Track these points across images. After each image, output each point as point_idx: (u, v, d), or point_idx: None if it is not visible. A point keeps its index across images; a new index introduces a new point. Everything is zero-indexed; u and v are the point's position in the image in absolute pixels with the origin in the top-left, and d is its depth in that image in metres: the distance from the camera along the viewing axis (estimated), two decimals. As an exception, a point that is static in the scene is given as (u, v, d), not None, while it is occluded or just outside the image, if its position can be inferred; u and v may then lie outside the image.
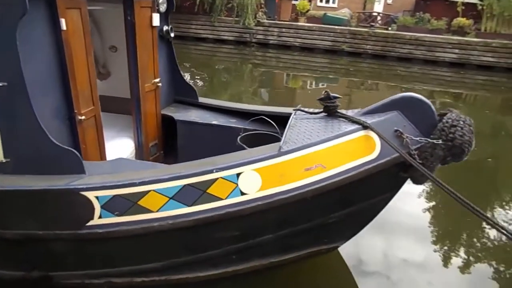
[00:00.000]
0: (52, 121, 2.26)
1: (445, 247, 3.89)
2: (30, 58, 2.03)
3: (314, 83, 13.55)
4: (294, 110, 2.76)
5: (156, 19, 3.14)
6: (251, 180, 2.10)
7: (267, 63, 16.03)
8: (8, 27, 1.88)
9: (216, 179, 2.08)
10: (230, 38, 17.49)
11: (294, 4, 18.10)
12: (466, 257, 3.74)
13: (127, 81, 3.31)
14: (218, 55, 16.42)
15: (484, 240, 4.07)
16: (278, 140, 2.80)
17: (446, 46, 15.44)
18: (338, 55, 16.54)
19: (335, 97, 2.49)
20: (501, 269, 3.61)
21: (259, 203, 2.09)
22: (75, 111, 2.39)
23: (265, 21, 17.27)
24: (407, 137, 2.22)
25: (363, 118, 2.36)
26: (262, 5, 17.45)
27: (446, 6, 21.67)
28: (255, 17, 17.04)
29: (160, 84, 3.37)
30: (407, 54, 15.87)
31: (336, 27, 16.47)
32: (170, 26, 3.41)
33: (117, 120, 3.67)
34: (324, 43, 16.60)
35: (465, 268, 3.58)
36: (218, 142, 3.31)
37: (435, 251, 3.79)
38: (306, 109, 2.74)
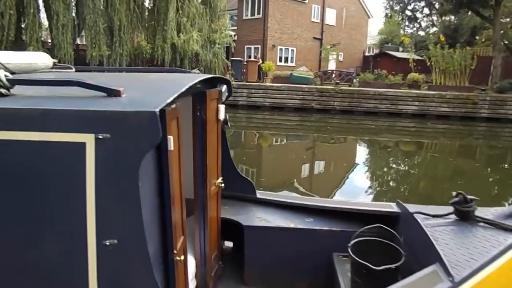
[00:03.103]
0: None
1: None
2: None
3: (286, 140, 13.57)
4: (414, 213, 2.37)
5: (222, 112, 2.70)
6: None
7: (238, 123, 15.88)
8: (131, 163, 1.34)
9: None
10: (198, 100, 17.27)
11: (260, 65, 18.59)
12: None
13: None
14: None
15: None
16: (391, 247, 2.39)
17: (407, 99, 16.43)
18: (308, 112, 16.91)
19: (472, 200, 2.16)
20: None
21: None
22: (174, 251, 1.78)
23: (233, 82, 17.39)
24: None
25: (510, 223, 2.05)
26: (229, 67, 17.69)
27: (394, 62, 23.67)
28: (223, 79, 17.12)
29: (223, 185, 2.84)
30: (373, 108, 16.62)
31: (304, 85, 17.00)
32: (226, 115, 2.98)
33: None
34: (294, 102, 16.96)
35: None
36: (296, 249, 2.80)
37: None
38: (427, 212, 2.36)
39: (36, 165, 1.37)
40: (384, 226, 2.40)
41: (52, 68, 2.39)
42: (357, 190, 7.73)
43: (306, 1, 24.87)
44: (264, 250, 2.85)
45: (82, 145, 1.33)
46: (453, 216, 2.26)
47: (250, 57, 23.11)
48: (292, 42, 24.61)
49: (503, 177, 9.32)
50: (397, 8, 37.40)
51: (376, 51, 33.06)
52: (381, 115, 16.63)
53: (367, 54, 31.09)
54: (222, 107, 2.70)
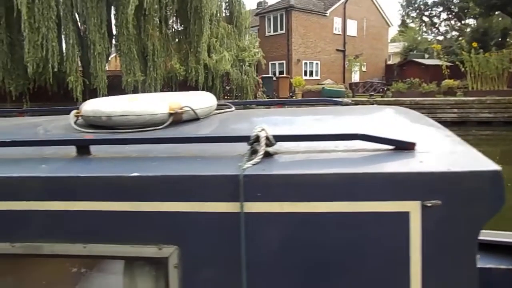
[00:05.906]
0: None
1: None
2: None
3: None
4: None
5: None
6: None
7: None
8: (469, 235, 1.11)
9: None
10: (231, 119, 17.25)
11: (291, 81, 18.51)
12: None
13: None
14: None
15: None
16: None
17: (445, 107, 16.02)
18: (345, 125, 16.62)
19: None
20: None
21: None
22: None
23: (266, 99, 17.34)
24: None
25: None
26: (261, 85, 17.65)
27: (422, 69, 23.26)
28: (255, 97, 17.09)
29: None
30: (411, 118, 16.24)
31: (339, 99, 16.77)
32: None
33: None
34: (329, 116, 16.72)
35: None
36: None
37: None
38: None
39: (342, 243, 1.15)
40: None
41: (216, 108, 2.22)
42: None
43: (328, 14, 24.90)
44: None
45: (405, 215, 1.11)
46: None
47: (275, 73, 23.11)
48: (316, 55, 24.57)
49: None
50: (413, 14, 37.26)
51: (395, 59, 32.74)
52: (419, 125, 16.23)
53: (389, 63, 30.81)
54: None
